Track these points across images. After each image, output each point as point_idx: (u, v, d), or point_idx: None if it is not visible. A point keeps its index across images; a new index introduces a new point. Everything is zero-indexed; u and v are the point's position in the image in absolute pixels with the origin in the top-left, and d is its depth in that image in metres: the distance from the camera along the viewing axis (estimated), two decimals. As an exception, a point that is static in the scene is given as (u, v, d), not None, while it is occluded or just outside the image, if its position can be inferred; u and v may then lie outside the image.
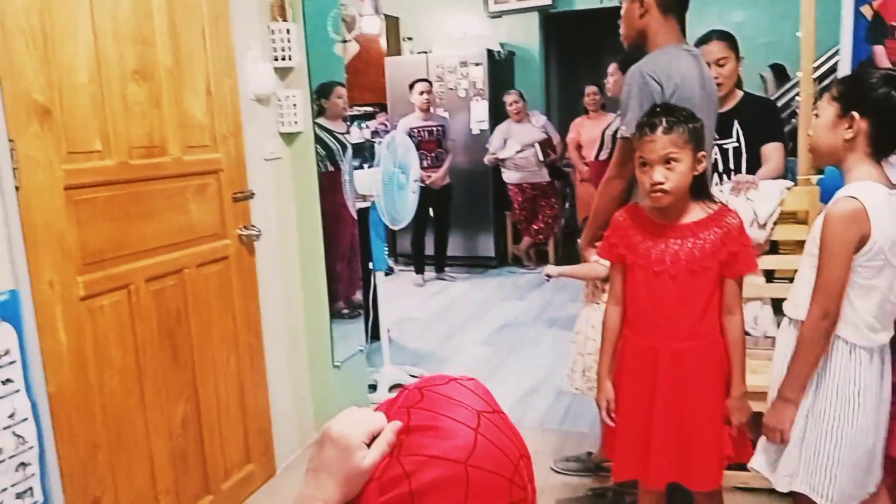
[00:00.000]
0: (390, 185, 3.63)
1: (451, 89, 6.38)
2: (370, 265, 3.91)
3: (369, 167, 4.24)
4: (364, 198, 3.79)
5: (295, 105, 2.91)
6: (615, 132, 4.31)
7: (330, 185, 3.25)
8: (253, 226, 2.61)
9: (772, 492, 1.97)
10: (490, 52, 6.33)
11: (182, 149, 2.29)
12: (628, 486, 2.34)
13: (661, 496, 2.07)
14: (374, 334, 3.94)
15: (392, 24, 7.01)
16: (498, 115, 6.30)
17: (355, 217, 3.50)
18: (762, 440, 1.81)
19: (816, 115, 1.75)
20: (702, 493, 1.95)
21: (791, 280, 2.71)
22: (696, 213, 1.84)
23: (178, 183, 2.28)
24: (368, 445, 0.70)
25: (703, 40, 2.98)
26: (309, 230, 3.07)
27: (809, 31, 2.74)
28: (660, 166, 1.76)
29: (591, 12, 6.66)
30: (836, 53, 3.73)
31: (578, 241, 2.52)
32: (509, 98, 6.13)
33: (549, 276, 2.55)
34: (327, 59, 3.28)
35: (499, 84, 6.44)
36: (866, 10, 2.61)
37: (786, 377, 1.72)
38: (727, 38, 2.96)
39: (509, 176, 6.24)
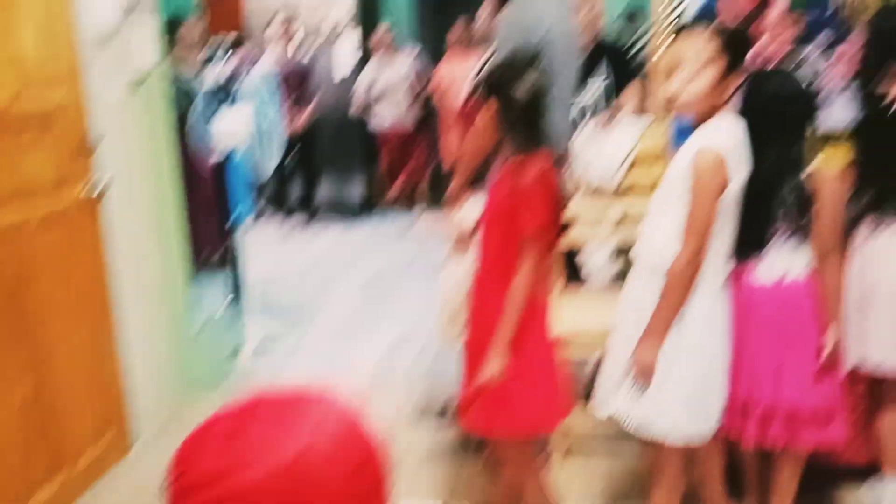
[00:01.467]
0: (255, 131, 3.47)
1: (317, 24, 6.13)
2: (233, 216, 3.74)
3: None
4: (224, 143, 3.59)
5: (143, 40, 2.66)
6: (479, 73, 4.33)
7: (184, 129, 3.07)
8: (99, 179, 2.42)
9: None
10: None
11: (9, 92, 2.06)
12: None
13: None
14: (239, 289, 3.80)
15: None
16: (366, 53, 6.12)
17: (214, 163, 3.33)
18: (626, 383, 1.83)
19: (696, 74, 1.71)
20: None
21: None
22: None
23: (4, 132, 2.06)
24: None
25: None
26: (163, 181, 2.86)
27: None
28: None
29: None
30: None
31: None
32: (377, 31, 5.95)
33: (419, 229, 2.53)
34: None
35: (368, 18, 6.23)
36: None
37: (655, 318, 1.76)
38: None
39: (378, 121, 6.13)
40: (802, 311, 1.89)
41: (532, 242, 1.81)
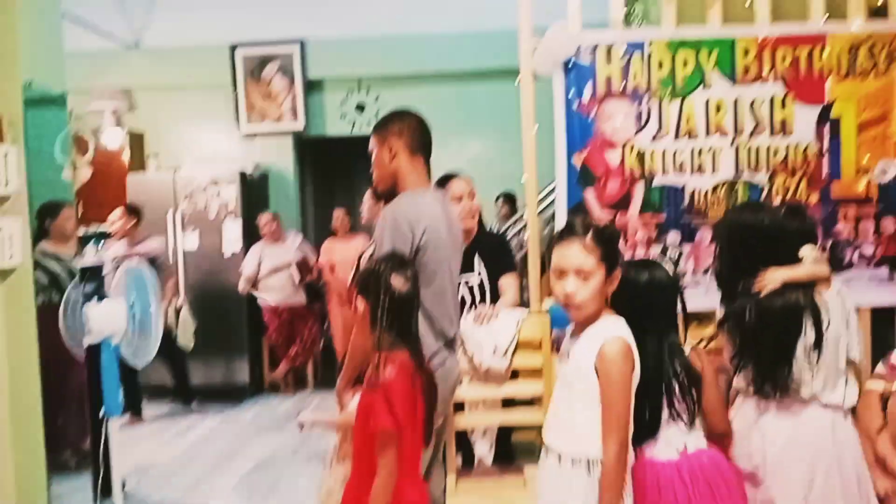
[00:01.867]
0: (133, 321, 3.31)
1: (202, 210, 6.15)
2: (104, 408, 3.47)
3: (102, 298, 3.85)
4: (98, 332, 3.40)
5: (11, 237, 2.57)
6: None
7: (54, 319, 2.90)
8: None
9: None
10: (244, 173, 6.24)
11: None
12: None
13: None
14: (106, 489, 3.45)
15: (137, 139, 6.68)
16: (252, 236, 6.16)
17: (84, 355, 3.13)
18: None
19: (583, 279, 1.82)
20: None
21: (531, 403, 2.91)
22: None
23: None
24: None
25: (445, 179, 3.19)
26: (23, 376, 2.64)
27: (532, 177, 3.04)
28: None
29: (343, 139, 6.91)
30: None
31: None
32: (263, 219, 6.05)
33: (302, 424, 2.44)
34: (53, 185, 3.00)
35: (253, 204, 6.34)
36: (576, 160, 2.97)
37: None
38: (466, 177, 3.20)
39: (265, 299, 6.06)
40: (709, 480, 1.92)
41: (386, 442, 1.85)
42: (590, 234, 1.85)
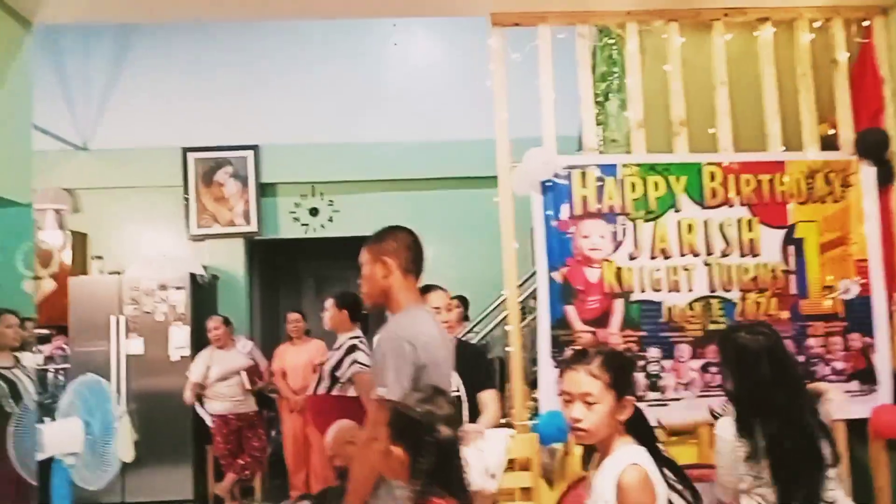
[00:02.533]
0: (91, 440, 3.12)
1: (148, 313, 5.93)
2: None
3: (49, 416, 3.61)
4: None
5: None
6: (334, 367, 4.32)
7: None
8: None
9: None
10: (193, 275, 6.09)
11: None
12: None
13: None
14: None
15: (79, 240, 6.47)
16: (200, 340, 5.95)
17: (33, 481, 2.91)
18: None
19: (590, 404, 1.82)
20: None
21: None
22: None
23: None
24: None
25: (423, 290, 3.19)
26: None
27: (513, 292, 3.10)
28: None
29: (294, 241, 6.88)
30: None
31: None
32: (212, 323, 5.86)
33: None
34: (12, 295, 2.88)
35: (201, 308, 6.16)
36: (557, 276, 3.04)
37: None
38: (443, 289, 3.22)
39: (213, 406, 5.78)
40: None
41: None
42: (598, 361, 1.85)
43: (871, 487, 2.99)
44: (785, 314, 3.04)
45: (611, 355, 1.89)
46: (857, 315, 3.05)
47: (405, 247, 2.40)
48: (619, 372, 1.87)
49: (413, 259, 2.41)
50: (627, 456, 1.82)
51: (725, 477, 2.29)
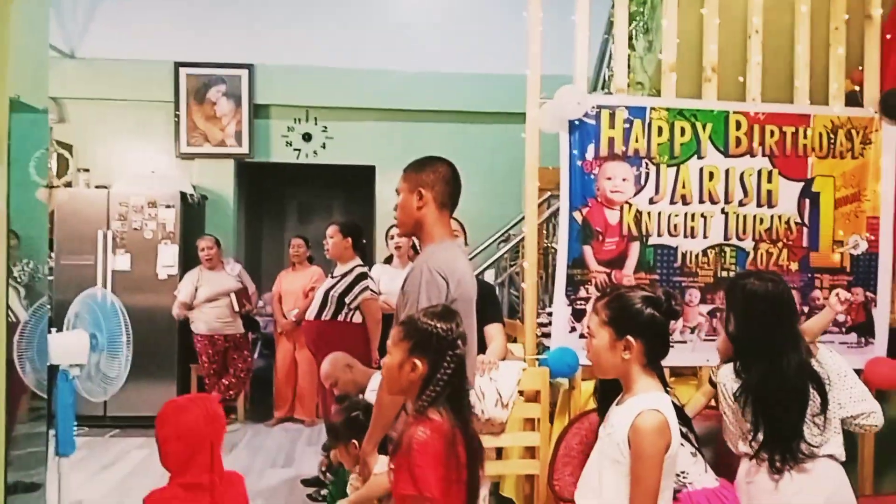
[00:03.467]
0: (95, 353, 3.09)
1: (136, 230, 5.84)
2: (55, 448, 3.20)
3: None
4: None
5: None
6: (342, 293, 4.33)
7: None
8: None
9: None
10: (183, 194, 5.98)
11: None
12: None
13: None
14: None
15: (65, 151, 6.29)
16: (188, 260, 5.90)
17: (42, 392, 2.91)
18: None
19: (591, 335, 1.94)
20: None
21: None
22: None
23: None
24: None
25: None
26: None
27: (532, 229, 3.11)
28: None
29: (285, 165, 6.79)
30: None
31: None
32: (204, 243, 5.81)
33: None
34: (29, 205, 2.80)
35: (190, 228, 6.08)
36: (577, 216, 3.06)
37: None
38: (457, 222, 3.24)
39: (199, 326, 5.79)
40: None
41: None
42: (604, 300, 1.94)
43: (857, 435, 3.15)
44: (794, 265, 3.12)
45: (616, 296, 1.93)
46: (863, 270, 3.15)
47: (443, 180, 2.38)
48: (619, 312, 1.90)
49: (450, 193, 2.40)
50: (649, 400, 1.83)
51: (731, 426, 2.38)
